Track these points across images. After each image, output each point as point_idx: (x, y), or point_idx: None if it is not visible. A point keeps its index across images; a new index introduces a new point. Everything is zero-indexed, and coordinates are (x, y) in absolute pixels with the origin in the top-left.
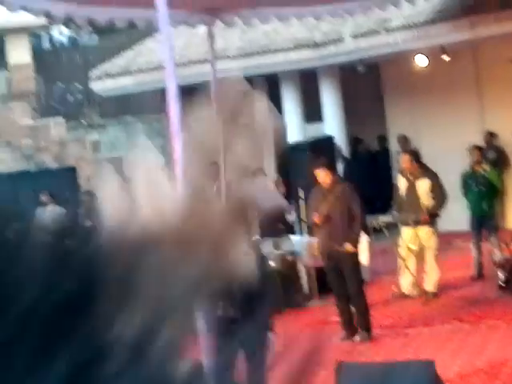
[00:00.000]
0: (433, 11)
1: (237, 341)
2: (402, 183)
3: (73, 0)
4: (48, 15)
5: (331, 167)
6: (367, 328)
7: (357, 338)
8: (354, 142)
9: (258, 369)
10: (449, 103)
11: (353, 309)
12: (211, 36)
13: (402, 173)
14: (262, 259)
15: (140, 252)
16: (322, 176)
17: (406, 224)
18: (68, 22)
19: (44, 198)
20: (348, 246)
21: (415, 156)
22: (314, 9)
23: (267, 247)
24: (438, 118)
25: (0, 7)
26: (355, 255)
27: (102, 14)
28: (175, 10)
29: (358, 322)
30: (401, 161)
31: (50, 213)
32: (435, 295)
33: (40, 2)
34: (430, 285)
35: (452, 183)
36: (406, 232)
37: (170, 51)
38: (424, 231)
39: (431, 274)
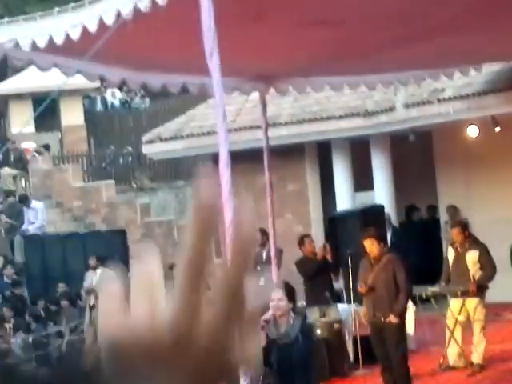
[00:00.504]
0: (485, 82)
1: None
2: (450, 254)
3: (128, 65)
4: (103, 79)
5: (379, 238)
6: None
7: None
8: (409, 209)
9: None
10: (500, 174)
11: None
12: (264, 103)
13: (451, 243)
14: (308, 327)
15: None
16: (370, 246)
17: (454, 295)
18: (122, 85)
19: (92, 262)
20: (392, 318)
21: (464, 227)
22: (367, 78)
23: (314, 315)
24: (489, 188)
25: (54, 69)
26: (400, 326)
27: (156, 80)
28: (229, 77)
29: None
30: (450, 231)
31: (99, 276)
32: (482, 367)
33: (95, 68)
34: (476, 357)
35: (501, 254)
36: (454, 303)
37: (222, 118)
38: (472, 303)
39: (478, 345)
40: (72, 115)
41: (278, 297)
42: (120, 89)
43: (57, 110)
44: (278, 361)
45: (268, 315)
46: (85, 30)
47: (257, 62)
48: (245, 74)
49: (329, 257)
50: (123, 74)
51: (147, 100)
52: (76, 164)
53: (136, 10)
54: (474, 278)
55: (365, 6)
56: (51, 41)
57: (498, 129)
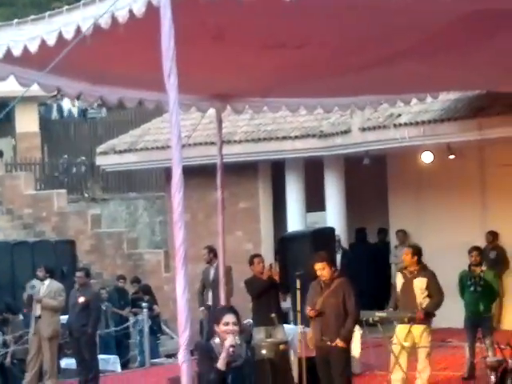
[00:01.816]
0: (441, 110)
1: None
2: (399, 280)
3: (85, 79)
4: (60, 91)
5: (331, 262)
6: None
7: None
8: (358, 232)
9: None
10: (452, 201)
11: None
12: (219, 120)
13: (400, 269)
14: (252, 348)
15: None
16: (321, 270)
17: (401, 321)
18: (79, 97)
19: (40, 273)
20: (339, 342)
21: (416, 252)
22: (324, 100)
23: (260, 335)
24: (441, 215)
25: (11, 78)
26: (346, 350)
27: (112, 94)
28: (186, 95)
29: None
30: (401, 255)
31: (46, 287)
32: None
33: (53, 79)
34: (420, 383)
35: (450, 281)
36: (401, 329)
37: (177, 139)
38: (418, 329)
39: (423, 372)
40: (27, 122)
41: (232, 320)
42: (78, 99)
43: (11, 115)
44: (233, 383)
45: (233, 340)
46: (43, 44)
47: (214, 81)
48: (202, 93)
49: (276, 277)
50: (80, 86)
51: (104, 110)
52: (29, 171)
53: (96, 26)
54: (421, 305)
55: (325, 31)
56: (9, 51)
57: (452, 156)
